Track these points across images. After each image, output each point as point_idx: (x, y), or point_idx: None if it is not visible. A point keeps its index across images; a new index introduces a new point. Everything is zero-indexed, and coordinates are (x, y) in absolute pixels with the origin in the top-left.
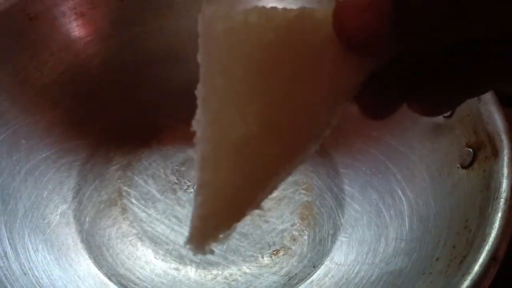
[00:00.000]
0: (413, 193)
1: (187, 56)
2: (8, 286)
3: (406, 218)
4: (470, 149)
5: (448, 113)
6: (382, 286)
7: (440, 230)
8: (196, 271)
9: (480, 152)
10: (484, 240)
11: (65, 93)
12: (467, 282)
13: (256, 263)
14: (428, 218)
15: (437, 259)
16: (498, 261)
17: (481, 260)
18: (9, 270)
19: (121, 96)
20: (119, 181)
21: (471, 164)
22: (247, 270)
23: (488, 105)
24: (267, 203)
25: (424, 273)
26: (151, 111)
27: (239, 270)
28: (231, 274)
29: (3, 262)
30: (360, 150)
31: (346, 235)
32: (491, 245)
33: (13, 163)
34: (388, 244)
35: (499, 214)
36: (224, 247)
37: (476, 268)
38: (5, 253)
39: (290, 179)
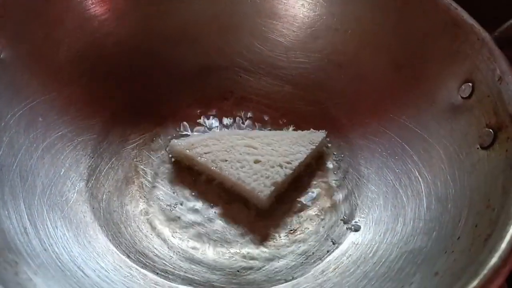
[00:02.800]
0: (430, 174)
1: (201, 37)
2: (30, 261)
3: (424, 199)
4: (490, 130)
5: (467, 94)
6: (402, 265)
7: (459, 209)
8: (214, 250)
9: (501, 132)
10: (510, 218)
11: (81, 72)
12: (495, 259)
13: (274, 242)
14: (446, 198)
15: (458, 238)
16: None
17: (508, 237)
18: (29, 245)
19: (137, 75)
20: (135, 159)
21: (491, 144)
22: (265, 249)
23: (509, 86)
24: None
25: (446, 252)
26: (166, 90)
27: (257, 248)
28: (248, 253)
29: (24, 238)
30: (376, 131)
31: (363, 215)
32: None
33: (30, 140)
34: (406, 224)
35: None
36: (242, 226)
37: (503, 245)
38: (25, 228)
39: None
